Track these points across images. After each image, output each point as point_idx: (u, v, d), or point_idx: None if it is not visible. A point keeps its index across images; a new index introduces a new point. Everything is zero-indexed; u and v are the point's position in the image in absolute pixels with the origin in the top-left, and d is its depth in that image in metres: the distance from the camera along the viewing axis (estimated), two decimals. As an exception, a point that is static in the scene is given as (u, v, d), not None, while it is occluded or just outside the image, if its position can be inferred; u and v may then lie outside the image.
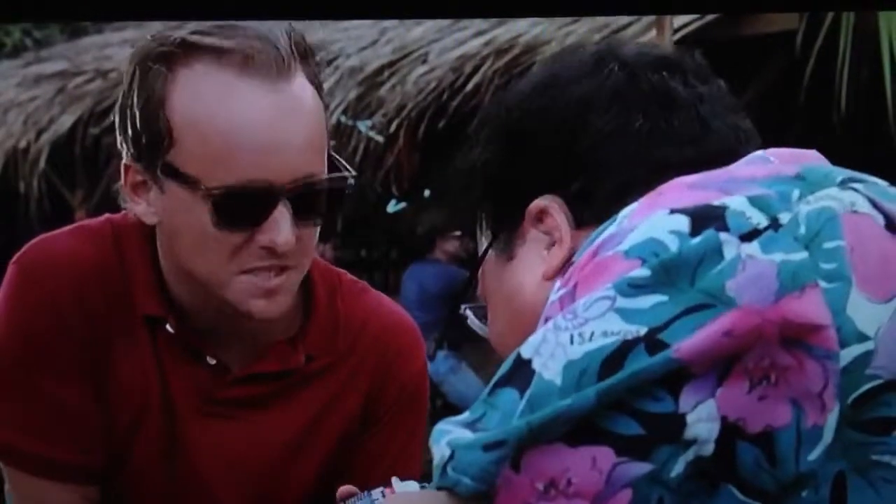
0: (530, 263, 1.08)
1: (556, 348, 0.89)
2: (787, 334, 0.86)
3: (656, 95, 1.07)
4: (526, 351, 0.91)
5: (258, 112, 1.39)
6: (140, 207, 1.45)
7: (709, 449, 0.86)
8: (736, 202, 0.91)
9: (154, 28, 1.43)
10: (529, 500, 0.87)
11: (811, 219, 0.91)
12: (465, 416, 0.91)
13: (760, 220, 0.90)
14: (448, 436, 0.90)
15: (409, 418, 1.61)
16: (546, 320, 0.93)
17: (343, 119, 7.26)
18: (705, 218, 0.90)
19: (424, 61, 7.13)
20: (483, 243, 1.14)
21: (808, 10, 5.34)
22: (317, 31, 7.49)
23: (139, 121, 1.42)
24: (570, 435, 0.87)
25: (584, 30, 6.44)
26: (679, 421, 0.86)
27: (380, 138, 7.42)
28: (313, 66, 1.44)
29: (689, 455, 0.86)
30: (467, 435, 0.89)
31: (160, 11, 1.34)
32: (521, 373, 0.90)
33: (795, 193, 0.93)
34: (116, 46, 9.27)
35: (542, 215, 1.07)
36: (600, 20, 6.18)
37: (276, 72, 1.39)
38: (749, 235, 0.89)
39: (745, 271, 0.87)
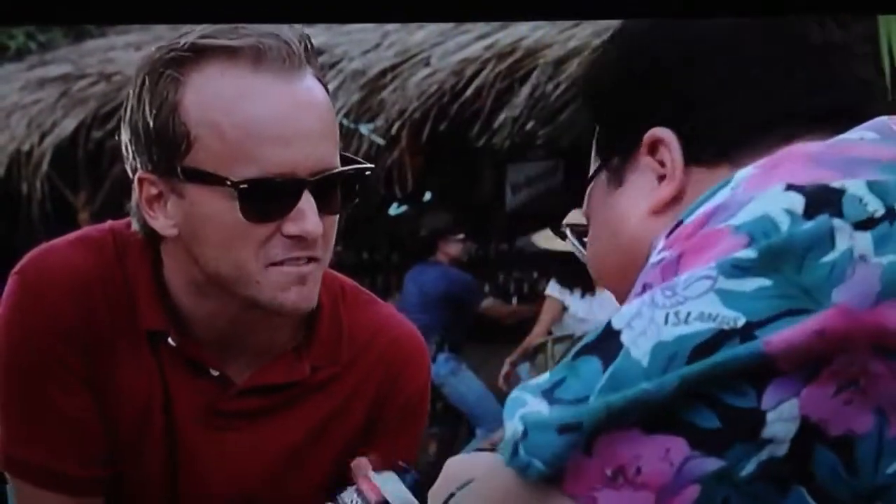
0: (638, 194, 1.05)
1: (649, 325, 0.85)
2: (880, 342, 0.83)
3: (787, 37, 1.02)
4: (617, 322, 0.87)
5: (275, 105, 1.40)
6: (158, 222, 1.45)
7: (783, 450, 0.83)
8: (855, 186, 0.87)
9: (158, 31, 1.45)
10: (596, 486, 0.84)
11: None
12: (544, 379, 0.88)
13: (877, 208, 0.86)
14: (523, 408, 0.86)
15: (411, 428, 1.63)
16: (644, 287, 0.90)
17: (345, 122, 7.27)
18: (821, 201, 0.86)
19: (427, 64, 7.14)
20: (595, 162, 1.10)
21: (807, 14, 5.35)
22: (320, 35, 7.51)
23: (153, 129, 1.42)
24: (646, 421, 0.83)
25: (586, 33, 6.46)
26: (759, 418, 0.83)
27: (381, 141, 7.43)
28: (317, 64, 1.46)
29: (763, 455, 0.83)
30: (542, 411, 0.86)
31: (164, 15, 1.35)
32: (609, 344, 0.86)
33: None
34: (120, 49, 9.27)
35: (657, 145, 1.03)
36: (603, 23, 6.19)
37: (289, 66, 1.41)
38: (864, 224, 0.85)
39: (853, 276, 0.83)
